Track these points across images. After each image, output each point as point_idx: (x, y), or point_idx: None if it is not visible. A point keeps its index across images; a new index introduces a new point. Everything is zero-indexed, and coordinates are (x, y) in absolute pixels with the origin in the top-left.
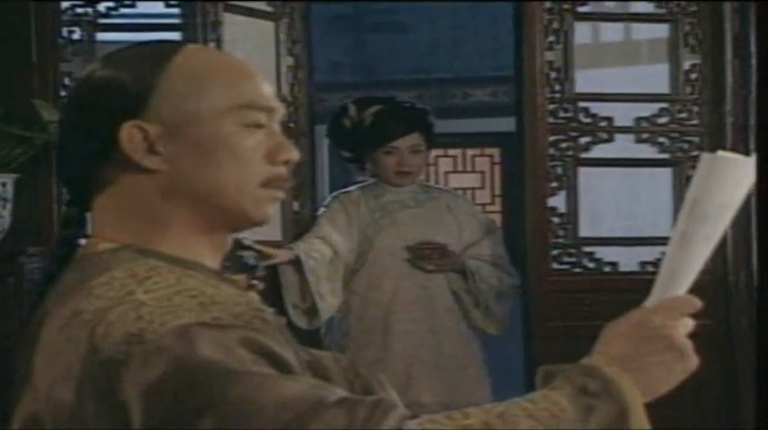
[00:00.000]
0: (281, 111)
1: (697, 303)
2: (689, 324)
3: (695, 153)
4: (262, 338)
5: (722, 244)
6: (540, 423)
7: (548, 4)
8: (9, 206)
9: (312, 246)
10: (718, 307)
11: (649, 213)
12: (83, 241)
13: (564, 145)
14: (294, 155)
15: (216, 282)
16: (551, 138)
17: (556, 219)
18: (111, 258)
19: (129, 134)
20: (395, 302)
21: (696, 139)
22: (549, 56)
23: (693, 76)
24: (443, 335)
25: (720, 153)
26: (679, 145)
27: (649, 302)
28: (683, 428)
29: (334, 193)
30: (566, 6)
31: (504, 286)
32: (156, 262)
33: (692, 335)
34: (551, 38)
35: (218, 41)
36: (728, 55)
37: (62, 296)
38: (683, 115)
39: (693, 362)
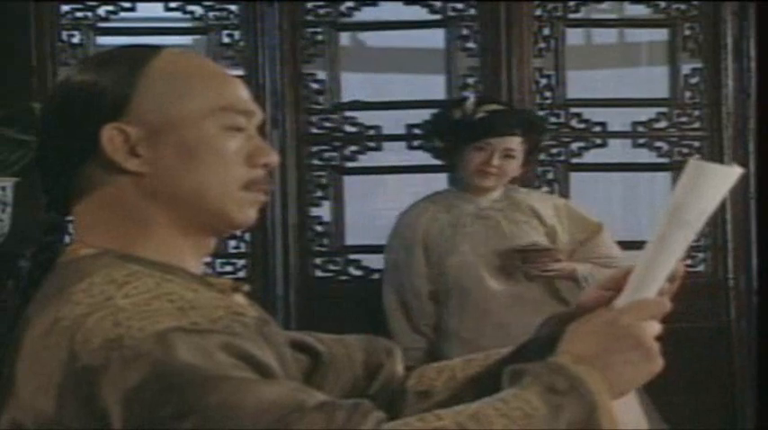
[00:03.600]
0: (259, 115)
1: (667, 306)
2: (657, 326)
3: (697, 157)
4: (241, 342)
5: (722, 247)
6: (514, 422)
7: (538, 11)
8: (9, 210)
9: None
10: (718, 309)
11: (648, 218)
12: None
13: (554, 150)
14: (273, 158)
15: (196, 286)
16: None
17: None
18: (91, 264)
19: (110, 136)
20: (485, 322)
21: (696, 143)
22: (539, 62)
23: (693, 80)
24: None
25: (706, 162)
26: (678, 149)
27: (621, 300)
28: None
29: (402, 217)
30: (557, 14)
31: None
32: (136, 267)
33: (692, 337)
34: (541, 44)
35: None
36: (728, 58)
37: (43, 303)
38: (683, 119)
39: (659, 363)
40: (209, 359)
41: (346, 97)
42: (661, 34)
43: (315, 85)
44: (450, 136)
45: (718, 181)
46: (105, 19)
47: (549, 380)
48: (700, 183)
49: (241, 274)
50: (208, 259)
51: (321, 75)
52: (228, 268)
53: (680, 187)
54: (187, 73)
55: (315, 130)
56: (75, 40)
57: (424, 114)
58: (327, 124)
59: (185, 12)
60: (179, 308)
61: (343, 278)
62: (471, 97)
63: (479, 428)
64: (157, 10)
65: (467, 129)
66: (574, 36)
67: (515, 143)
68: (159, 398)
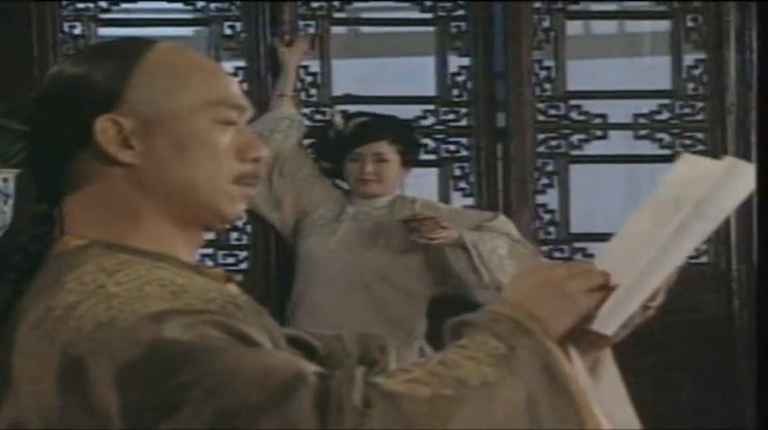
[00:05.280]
0: (249, 109)
1: (604, 277)
2: (586, 282)
3: (700, 148)
4: (234, 322)
5: (726, 238)
6: (482, 362)
7: (537, 4)
8: (10, 202)
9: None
10: (721, 300)
11: None
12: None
13: (554, 143)
14: (264, 152)
15: (188, 273)
16: (541, 136)
17: (547, 216)
18: (82, 254)
19: (103, 127)
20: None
21: (699, 135)
22: (539, 54)
23: (696, 72)
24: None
25: (741, 161)
26: (681, 140)
27: (625, 282)
28: (683, 427)
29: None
30: (556, 6)
31: (518, 250)
32: (126, 256)
33: (695, 329)
34: (541, 36)
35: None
36: (731, 50)
37: (36, 294)
38: (686, 111)
39: (580, 311)
40: (202, 336)
41: (339, 87)
42: (663, 25)
43: (309, 78)
44: (330, 155)
45: (746, 181)
46: (107, 10)
47: (492, 327)
48: (729, 181)
49: (243, 266)
50: (210, 250)
51: (315, 67)
52: (230, 259)
53: (710, 182)
54: (180, 66)
55: (307, 123)
56: (77, 31)
57: (414, 110)
58: (319, 116)
59: (187, 3)
60: (171, 292)
61: None
62: (339, 116)
63: (450, 372)
64: (159, 1)
65: (338, 144)
66: (573, 26)
67: (384, 147)
68: (157, 375)
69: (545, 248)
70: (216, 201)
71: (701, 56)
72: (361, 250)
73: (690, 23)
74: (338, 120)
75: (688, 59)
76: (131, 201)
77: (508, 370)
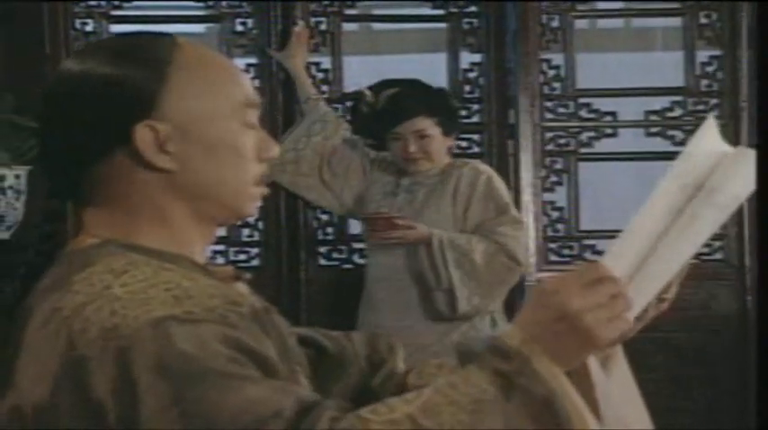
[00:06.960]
0: (259, 106)
1: (605, 271)
2: (605, 312)
3: None
4: (239, 334)
5: (739, 234)
6: (463, 408)
7: (545, 4)
8: (23, 198)
9: None
10: (735, 297)
11: None
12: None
13: (563, 140)
14: (276, 151)
15: (196, 274)
16: (550, 134)
17: (555, 214)
18: (94, 253)
19: (142, 134)
20: (369, 280)
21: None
22: (548, 53)
23: (710, 68)
24: (407, 321)
25: (753, 150)
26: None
27: (639, 274)
28: (695, 424)
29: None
30: (565, 5)
31: (495, 266)
32: (136, 256)
33: (709, 325)
34: (549, 36)
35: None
36: (744, 46)
37: (44, 292)
38: (699, 107)
39: (600, 342)
40: (204, 349)
41: (351, 84)
42: (674, 20)
43: (320, 74)
44: (370, 132)
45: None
46: (118, 7)
47: (495, 364)
48: (742, 169)
49: (254, 263)
50: (221, 247)
51: (326, 63)
52: (242, 256)
53: (721, 170)
54: (210, 68)
55: None
56: (89, 28)
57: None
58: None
59: (198, 0)
60: (174, 296)
61: (348, 267)
62: (366, 89)
63: (428, 419)
64: None
65: (376, 122)
66: (580, 21)
67: (423, 123)
68: (148, 388)
69: (553, 246)
70: (238, 203)
71: (715, 52)
72: (414, 220)
73: (703, 20)
74: (368, 94)
75: (701, 56)
76: (158, 203)
77: (490, 414)
